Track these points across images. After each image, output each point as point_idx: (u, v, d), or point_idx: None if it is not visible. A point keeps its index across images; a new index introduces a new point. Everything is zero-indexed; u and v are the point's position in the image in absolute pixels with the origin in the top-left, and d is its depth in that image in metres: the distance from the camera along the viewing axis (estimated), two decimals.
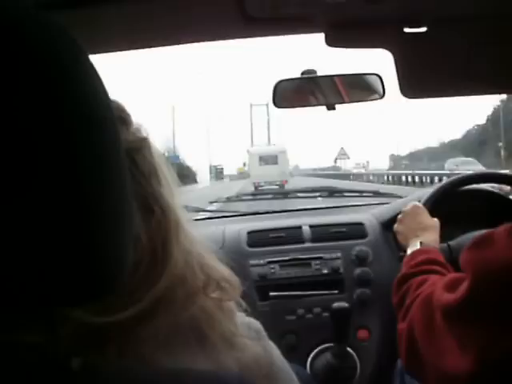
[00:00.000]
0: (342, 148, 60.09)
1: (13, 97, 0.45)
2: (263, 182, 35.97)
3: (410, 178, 30.86)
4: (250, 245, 2.30)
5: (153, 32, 1.37)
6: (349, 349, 2.08)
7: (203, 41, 1.45)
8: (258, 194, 3.10)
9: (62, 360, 0.56)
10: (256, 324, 0.83)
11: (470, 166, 30.70)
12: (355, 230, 2.35)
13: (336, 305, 1.95)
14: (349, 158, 62.65)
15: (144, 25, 1.32)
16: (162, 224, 0.72)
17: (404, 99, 1.40)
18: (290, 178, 39.69)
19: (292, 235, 2.34)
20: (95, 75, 0.53)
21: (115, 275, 0.54)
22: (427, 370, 1.12)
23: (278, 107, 1.70)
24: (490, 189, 2.32)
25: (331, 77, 1.70)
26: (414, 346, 1.16)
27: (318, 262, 2.23)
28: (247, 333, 0.79)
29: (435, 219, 1.67)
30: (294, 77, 1.70)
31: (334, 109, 1.66)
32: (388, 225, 2.22)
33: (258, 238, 2.33)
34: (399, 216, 1.73)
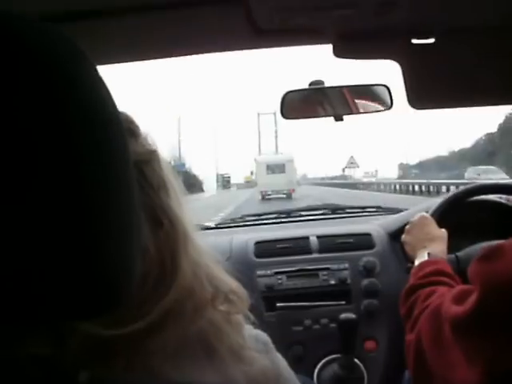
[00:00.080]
0: (351, 156, 59.29)
1: (20, 107, 0.45)
2: (270, 191, 36.01)
3: (423, 188, 30.54)
4: (258, 255, 2.29)
5: (160, 43, 1.37)
6: (356, 360, 2.07)
7: (212, 52, 1.45)
8: (262, 214, 3.11)
9: (69, 373, 0.56)
10: (264, 336, 0.83)
11: (492, 174, 30.01)
12: (363, 241, 2.34)
13: (343, 316, 1.95)
14: (358, 166, 62.09)
15: (150, 36, 1.32)
16: (171, 236, 0.72)
17: (412, 110, 1.40)
18: (298, 187, 39.69)
19: (299, 246, 2.33)
20: (103, 85, 0.53)
21: (123, 287, 0.53)
22: (435, 381, 1.12)
23: (286, 118, 1.70)
24: (498, 200, 2.31)
25: (339, 88, 1.70)
26: (422, 358, 1.15)
27: (325, 272, 2.23)
28: (255, 345, 0.78)
29: (443, 230, 1.67)
30: (301, 88, 1.71)
31: (341, 120, 1.66)
32: (395, 235, 2.21)
33: (265, 249, 2.32)
34: (407, 227, 1.73)
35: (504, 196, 2.28)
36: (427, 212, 1.83)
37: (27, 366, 0.55)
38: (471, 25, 1.29)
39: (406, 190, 33.52)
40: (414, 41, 1.31)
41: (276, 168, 38.96)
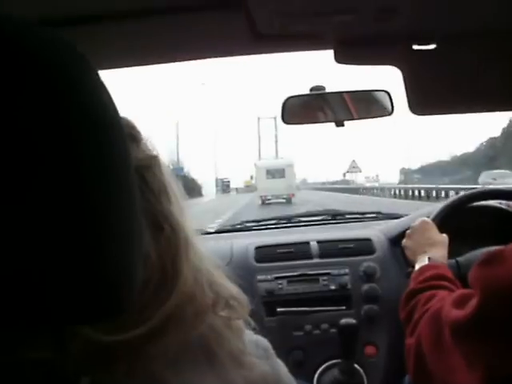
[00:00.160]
0: (353, 161, 58.53)
1: (21, 112, 0.45)
2: (270, 196, 36.03)
3: (423, 193, 30.39)
4: (258, 260, 2.29)
5: (160, 48, 1.38)
6: (356, 365, 2.07)
7: (212, 57, 1.45)
8: (261, 220, 3.12)
9: (70, 378, 0.56)
10: (264, 342, 0.83)
11: (509, 178, 29.47)
12: (363, 246, 2.34)
13: (343, 321, 1.95)
14: (361, 171, 61.51)
15: (151, 41, 1.32)
16: (172, 241, 0.72)
17: (413, 115, 1.40)
18: (297, 192, 39.71)
19: (300, 251, 2.34)
20: (104, 90, 0.53)
21: (125, 293, 0.53)
22: None
23: (287, 123, 1.70)
24: (498, 205, 2.31)
25: (340, 93, 1.71)
26: (422, 361, 1.16)
27: (325, 277, 2.23)
28: (255, 351, 0.78)
29: (444, 235, 1.67)
30: (302, 93, 1.71)
31: (342, 125, 1.66)
32: (396, 240, 2.22)
33: (265, 254, 2.33)
34: (408, 231, 1.73)
35: (504, 202, 2.28)
36: (428, 217, 1.83)
37: (28, 370, 0.55)
38: (472, 30, 1.30)
39: (406, 195, 33.47)
40: (415, 47, 1.31)
41: (276, 173, 39.02)
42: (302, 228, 2.85)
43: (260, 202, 35.35)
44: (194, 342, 0.70)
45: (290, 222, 3.03)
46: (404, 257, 1.93)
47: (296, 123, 1.76)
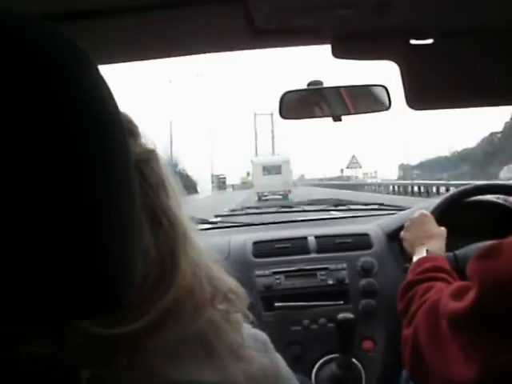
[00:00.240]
0: (353, 156, 56.79)
1: (21, 107, 0.45)
2: (267, 192, 36.03)
3: (422, 189, 30.18)
4: (256, 255, 2.30)
5: (159, 43, 1.37)
6: (354, 360, 2.07)
7: (210, 52, 1.45)
8: (262, 206, 3.10)
9: (70, 372, 0.56)
10: (262, 336, 0.83)
11: None
12: (360, 241, 2.35)
13: (341, 316, 1.95)
14: (361, 166, 60.30)
15: (150, 36, 1.32)
16: (170, 236, 0.72)
17: (411, 110, 1.40)
18: (294, 188, 39.73)
19: (297, 246, 2.34)
20: (104, 85, 0.53)
21: (124, 288, 0.53)
22: (432, 376, 1.12)
23: (285, 118, 1.70)
24: (496, 200, 2.32)
25: (337, 88, 1.71)
26: (419, 353, 1.16)
27: (323, 272, 2.23)
28: (254, 344, 0.79)
29: (442, 228, 1.67)
30: (300, 88, 1.71)
31: (340, 120, 1.66)
32: (393, 235, 2.22)
33: (263, 249, 2.33)
34: (406, 223, 1.74)
35: (502, 196, 2.29)
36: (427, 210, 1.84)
37: (28, 365, 0.55)
38: (470, 25, 1.30)
39: (405, 191, 33.38)
40: (413, 41, 1.31)
41: (272, 169, 39.03)
42: (302, 215, 2.84)
43: (256, 198, 35.35)
44: (192, 335, 0.71)
45: (292, 209, 3.02)
46: (401, 252, 1.94)
47: (293, 118, 1.76)
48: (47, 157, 0.46)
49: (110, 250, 0.51)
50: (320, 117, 1.72)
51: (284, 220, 2.95)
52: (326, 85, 1.69)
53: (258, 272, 2.22)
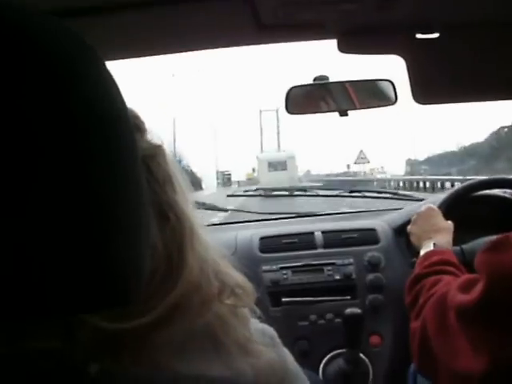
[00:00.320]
0: (361, 151, 54.78)
1: (27, 103, 0.45)
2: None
3: (431, 184, 29.94)
4: (263, 250, 2.30)
5: (167, 39, 1.37)
6: (361, 355, 2.07)
7: (216, 47, 1.45)
8: (276, 189, 3.07)
9: (79, 366, 0.57)
10: (270, 330, 0.83)
11: None
12: (367, 236, 2.35)
13: (348, 311, 1.95)
14: (369, 161, 58.76)
15: (156, 32, 1.32)
16: (177, 231, 0.72)
17: (417, 105, 1.40)
18: (299, 184, 39.79)
19: (304, 241, 2.34)
20: (111, 81, 0.53)
21: (132, 286, 0.54)
22: (440, 368, 1.12)
23: (291, 113, 1.70)
24: (502, 194, 2.31)
25: (343, 83, 1.71)
26: (427, 345, 1.16)
27: (330, 267, 2.23)
28: (261, 339, 0.79)
29: (449, 222, 1.67)
30: (306, 83, 1.71)
31: (346, 115, 1.66)
32: (400, 230, 2.22)
33: (270, 244, 2.33)
34: (413, 217, 1.74)
35: (509, 191, 2.28)
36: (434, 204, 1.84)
37: (38, 360, 0.55)
38: (475, 19, 1.29)
39: (411, 186, 33.18)
40: (418, 35, 1.31)
41: (278, 165, 39.07)
42: (306, 218, 2.83)
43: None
44: (200, 330, 0.71)
45: (306, 193, 3.00)
46: (408, 246, 1.93)
47: (300, 113, 1.77)
48: (54, 153, 0.46)
49: (117, 246, 0.51)
50: (326, 112, 1.72)
51: (290, 215, 2.94)
52: (332, 80, 1.69)
53: (264, 267, 2.22)
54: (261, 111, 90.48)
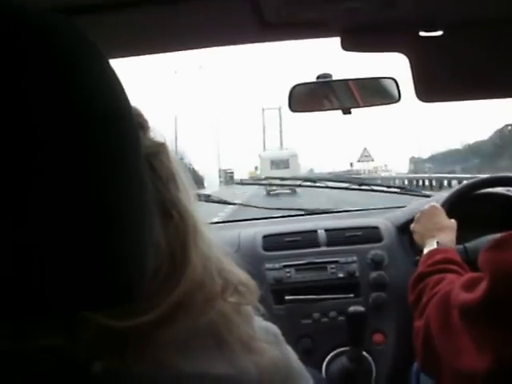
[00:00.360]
0: (365, 149, 53.68)
1: (31, 101, 0.45)
2: (275, 186, 36.06)
3: (456, 182, 29.74)
4: (266, 248, 2.30)
5: (169, 37, 1.37)
6: (364, 353, 2.07)
7: (219, 45, 1.45)
8: (285, 178, 3.06)
9: (82, 364, 0.57)
10: (274, 328, 0.83)
11: None
12: (371, 234, 2.35)
13: (352, 309, 1.95)
14: (373, 160, 58.08)
15: (160, 30, 1.32)
16: (181, 229, 0.72)
17: (421, 103, 1.40)
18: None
19: (307, 239, 2.34)
20: (115, 78, 0.53)
21: (135, 284, 0.54)
22: (443, 367, 1.12)
23: (294, 111, 1.70)
24: (506, 192, 2.31)
25: (347, 81, 1.71)
26: (430, 343, 1.16)
27: (333, 265, 2.23)
28: (265, 337, 0.78)
29: (452, 220, 1.67)
30: (309, 81, 1.71)
31: (349, 113, 1.66)
32: (403, 228, 2.22)
33: (273, 242, 2.33)
34: (417, 215, 1.74)
35: None
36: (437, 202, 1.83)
37: (40, 357, 0.55)
38: (479, 17, 1.29)
39: (417, 185, 33.07)
40: (422, 33, 1.31)
41: (280, 163, 39.10)
42: (309, 216, 2.83)
43: (265, 193, 35.45)
44: (203, 328, 0.71)
45: (315, 183, 3.00)
46: (411, 244, 1.93)
47: (303, 111, 1.77)
48: (57, 150, 0.46)
49: (120, 243, 0.51)
50: (329, 110, 1.72)
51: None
52: (335, 78, 1.69)
53: (268, 265, 2.22)
54: (263, 109, 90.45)
